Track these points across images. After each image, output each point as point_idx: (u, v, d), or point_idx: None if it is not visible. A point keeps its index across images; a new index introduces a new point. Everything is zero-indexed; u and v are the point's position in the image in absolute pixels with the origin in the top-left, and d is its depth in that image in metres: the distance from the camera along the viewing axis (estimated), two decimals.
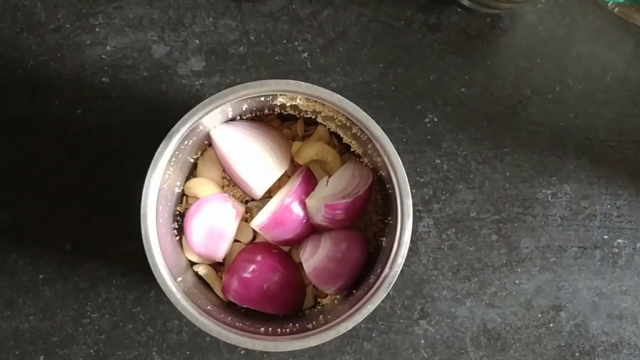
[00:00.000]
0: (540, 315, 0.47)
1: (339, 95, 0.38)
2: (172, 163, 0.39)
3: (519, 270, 0.47)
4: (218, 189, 0.43)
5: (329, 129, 0.43)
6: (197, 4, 0.47)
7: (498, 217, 0.47)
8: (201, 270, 0.42)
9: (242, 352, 0.46)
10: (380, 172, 0.40)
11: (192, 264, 0.43)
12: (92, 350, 0.45)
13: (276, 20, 0.47)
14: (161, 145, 0.38)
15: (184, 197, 0.43)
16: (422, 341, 0.47)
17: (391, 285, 0.36)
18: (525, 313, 0.47)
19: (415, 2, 0.48)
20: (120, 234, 0.45)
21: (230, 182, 0.43)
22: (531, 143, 0.47)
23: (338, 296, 0.43)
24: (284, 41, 0.47)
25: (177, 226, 0.42)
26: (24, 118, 0.46)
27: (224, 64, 0.47)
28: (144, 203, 0.38)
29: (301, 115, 0.42)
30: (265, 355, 0.46)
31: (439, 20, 0.48)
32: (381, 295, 0.36)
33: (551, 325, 0.47)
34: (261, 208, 0.42)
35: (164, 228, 0.40)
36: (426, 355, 0.47)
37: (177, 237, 0.43)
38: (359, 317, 0.36)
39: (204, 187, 0.42)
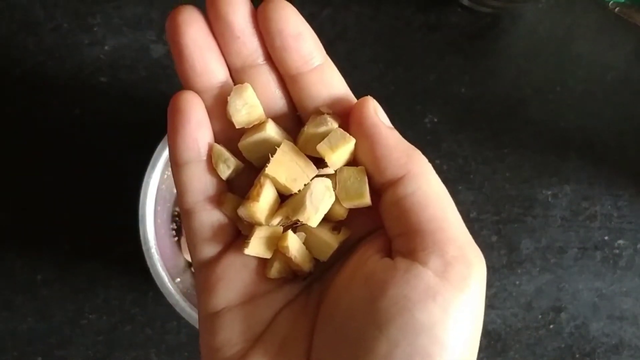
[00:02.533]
0: (540, 317, 0.47)
1: None
2: None
3: (519, 271, 0.47)
4: None
5: None
6: (196, 4, 0.47)
7: (498, 217, 0.47)
8: None
9: None
10: None
11: (189, 264, 0.43)
12: (90, 352, 0.45)
13: None
14: (159, 146, 0.38)
15: None
16: None
17: None
18: (525, 314, 0.47)
19: (415, 2, 0.48)
20: (119, 235, 0.45)
21: None
22: (531, 143, 0.47)
23: None
24: None
25: (175, 227, 0.42)
26: (21, 118, 0.46)
27: None
28: (142, 204, 0.38)
29: None
30: None
31: (439, 20, 0.48)
32: None
33: (551, 326, 0.47)
34: None
35: (162, 229, 0.40)
36: None
37: (176, 238, 0.42)
38: None
39: None
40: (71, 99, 0.46)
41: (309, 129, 0.22)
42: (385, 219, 0.21)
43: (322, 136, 0.21)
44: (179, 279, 0.39)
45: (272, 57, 0.22)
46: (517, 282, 0.47)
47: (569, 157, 0.47)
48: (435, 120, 0.47)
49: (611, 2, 0.47)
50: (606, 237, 0.47)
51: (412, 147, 0.21)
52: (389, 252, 0.21)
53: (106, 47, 0.46)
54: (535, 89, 0.48)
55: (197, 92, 0.22)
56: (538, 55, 0.48)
